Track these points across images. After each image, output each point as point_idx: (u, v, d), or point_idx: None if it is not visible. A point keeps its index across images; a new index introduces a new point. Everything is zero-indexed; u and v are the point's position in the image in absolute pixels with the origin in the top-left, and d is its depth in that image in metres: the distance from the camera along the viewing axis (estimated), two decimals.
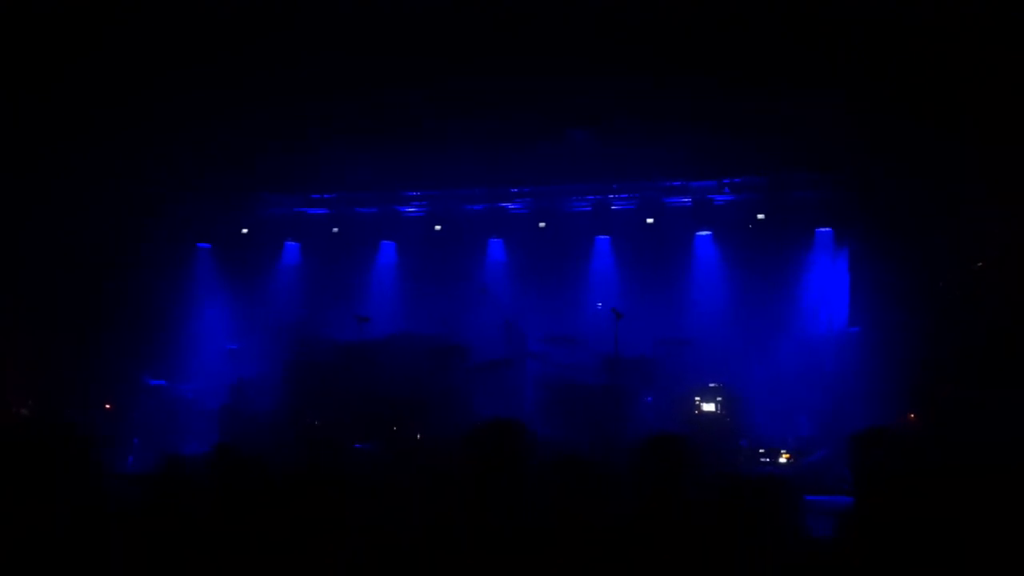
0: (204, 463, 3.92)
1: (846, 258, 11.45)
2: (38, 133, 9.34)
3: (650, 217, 12.27)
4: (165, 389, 11.18)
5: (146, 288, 11.45)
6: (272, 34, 8.42)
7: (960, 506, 3.13)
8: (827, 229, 11.73)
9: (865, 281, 10.88)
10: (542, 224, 12.55)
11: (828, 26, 7.94)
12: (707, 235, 12.23)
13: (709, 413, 10.02)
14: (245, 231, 12.97)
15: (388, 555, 2.95)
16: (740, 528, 3.02)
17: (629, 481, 3.16)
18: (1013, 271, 9.00)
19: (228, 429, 9.74)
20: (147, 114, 9.43)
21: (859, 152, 9.47)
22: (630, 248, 12.25)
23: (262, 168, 11.45)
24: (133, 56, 8.55)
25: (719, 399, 10.05)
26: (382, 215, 13.02)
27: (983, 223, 9.06)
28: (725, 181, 12.03)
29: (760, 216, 11.93)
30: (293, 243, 13.13)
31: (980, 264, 9.61)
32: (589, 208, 12.58)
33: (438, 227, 12.78)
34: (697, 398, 10.05)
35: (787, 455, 9.55)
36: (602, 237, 12.50)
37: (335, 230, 13.03)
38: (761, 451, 9.59)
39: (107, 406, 10.88)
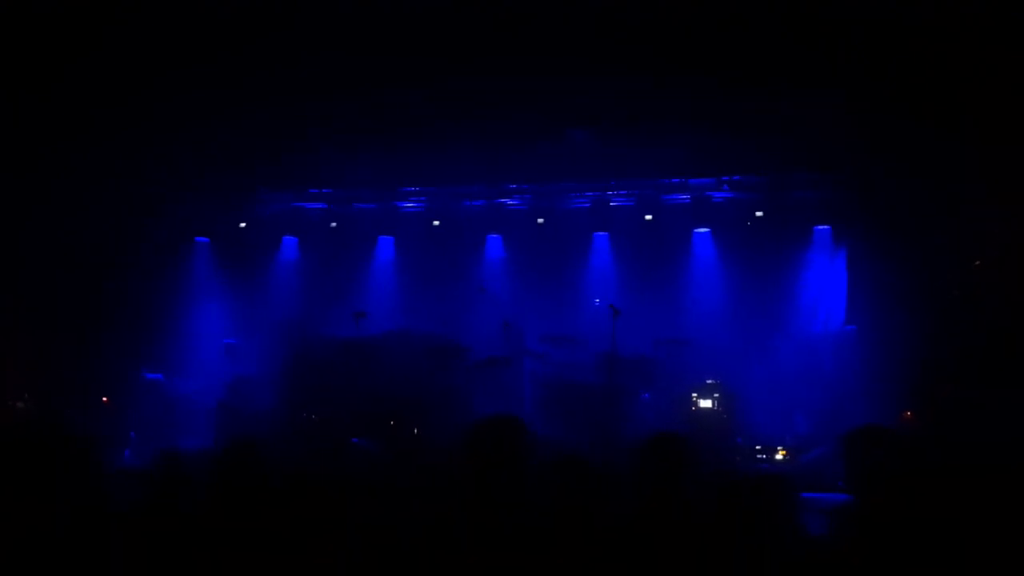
0: (204, 459, 3.91)
1: (844, 257, 11.47)
2: (38, 133, 9.32)
3: (648, 214, 12.27)
4: (162, 384, 11.16)
5: (144, 283, 11.42)
6: (271, 33, 8.40)
7: (956, 505, 3.13)
8: (825, 227, 11.75)
9: (863, 280, 10.89)
10: (540, 220, 12.55)
11: (828, 26, 7.93)
12: (705, 232, 12.24)
13: (706, 410, 10.04)
14: (243, 225, 12.94)
15: (388, 554, 2.95)
16: (738, 526, 3.02)
17: (629, 480, 3.16)
18: (1012, 271, 9.01)
19: (225, 425, 9.73)
20: (147, 114, 9.41)
21: (858, 151, 9.48)
22: (628, 245, 12.25)
23: (260, 163, 11.42)
24: (133, 56, 8.53)
25: (716, 396, 10.07)
26: (380, 210, 12.99)
27: (982, 223, 9.07)
28: (724, 179, 12.03)
29: (759, 214, 11.93)
30: (291, 238, 13.10)
31: (978, 263, 9.62)
32: (588, 204, 12.57)
33: (436, 223, 12.77)
34: (694, 395, 10.07)
35: (783, 452, 9.57)
36: (600, 234, 12.50)
37: (333, 225, 13.00)
38: (757, 448, 9.60)
39: (104, 400, 10.86)
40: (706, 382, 10.14)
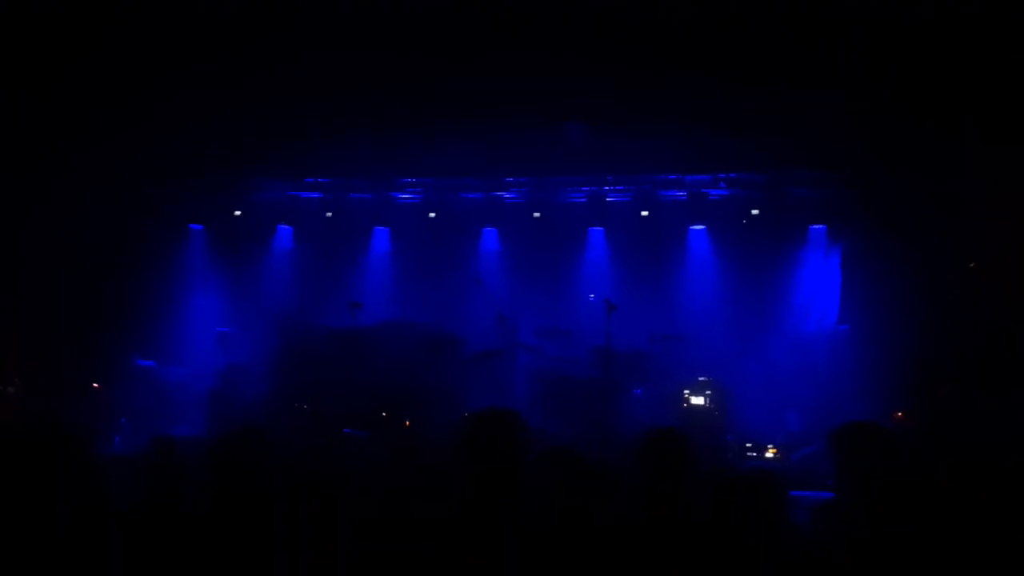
0: (198, 446, 3.89)
1: (838, 256, 11.50)
2: (39, 133, 9.29)
3: (645, 210, 12.28)
4: (154, 371, 11.12)
5: (137, 270, 11.37)
6: (270, 29, 8.38)
7: (947, 504, 3.15)
8: (821, 227, 11.77)
9: (857, 279, 10.92)
10: (537, 214, 12.53)
11: (828, 26, 7.92)
12: (701, 229, 12.25)
13: (698, 407, 10.05)
14: (238, 213, 12.88)
15: (385, 551, 2.94)
16: (731, 523, 3.03)
17: (629, 477, 3.16)
18: (1010, 271, 9.03)
19: (216, 413, 9.70)
20: (147, 111, 9.39)
21: (857, 151, 9.48)
22: (624, 240, 12.26)
23: (257, 153, 11.38)
24: (133, 56, 8.51)
25: (708, 393, 10.08)
26: (376, 201, 12.96)
27: (980, 222, 9.08)
28: (720, 176, 12.04)
29: (755, 212, 11.95)
30: (286, 227, 13.06)
31: (973, 264, 9.65)
32: (584, 199, 12.57)
33: (432, 214, 12.74)
34: (686, 391, 10.09)
35: (774, 450, 9.59)
36: (596, 229, 12.51)
37: (328, 215, 12.96)
38: (748, 446, 9.62)
39: (95, 385, 10.82)
40: (699, 379, 10.16)
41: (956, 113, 8.27)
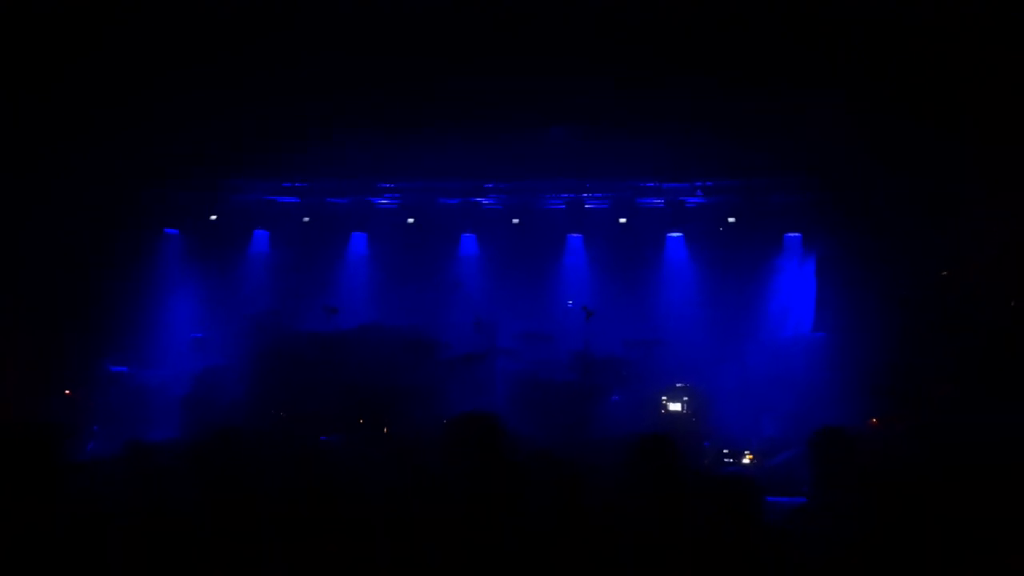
0: (173, 450, 3.85)
1: (813, 263, 11.61)
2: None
3: (623, 217, 12.34)
4: (127, 376, 10.98)
5: (110, 274, 11.21)
6: (246, 33, 8.34)
7: (926, 505, 3.18)
8: (796, 235, 11.90)
9: (832, 286, 11.03)
10: (515, 220, 12.55)
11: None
12: (678, 236, 12.33)
13: (675, 413, 10.10)
14: (214, 217, 12.78)
15: (367, 551, 2.92)
16: (709, 528, 3.04)
17: (616, 481, 3.16)
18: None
19: (192, 419, 9.59)
20: (121, 113, 9.29)
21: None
22: (602, 247, 12.32)
23: (233, 156, 11.28)
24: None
25: (685, 399, 10.13)
26: (354, 206, 12.91)
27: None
28: (697, 184, 12.13)
29: (731, 219, 12.05)
30: (262, 231, 12.97)
31: (944, 272, 9.77)
32: (563, 206, 12.61)
33: (411, 220, 12.71)
34: (664, 397, 10.13)
35: (750, 456, 9.64)
36: (574, 235, 12.55)
37: (306, 219, 12.89)
38: (725, 452, 9.66)
39: (66, 392, 10.66)
40: (676, 385, 10.20)
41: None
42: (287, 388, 9.51)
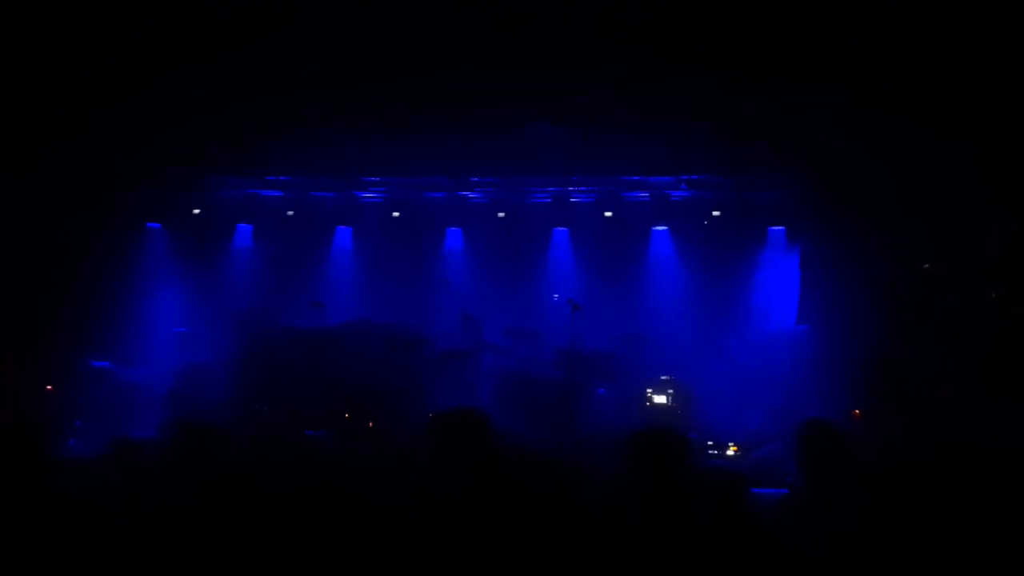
0: (155, 447, 3.82)
1: (797, 257, 11.67)
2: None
3: (608, 210, 12.35)
4: (110, 372, 10.88)
5: (92, 269, 11.11)
6: (226, 29, 8.28)
7: (912, 501, 3.20)
8: (780, 228, 11.96)
9: (815, 280, 11.09)
10: (501, 214, 12.54)
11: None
12: (664, 230, 12.37)
13: (660, 406, 10.14)
14: (197, 211, 12.67)
15: (353, 548, 2.91)
16: (694, 520, 3.06)
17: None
18: (966, 270, 9.18)
19: (175, 415, 9.50)
20: (103, 109, 9.20)
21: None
22: (588, 241, 12.33)
23: (217, 150, 11.20)
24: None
25: (670, 392, 10.18)
26: (338, 200, 12.84)
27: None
28: (683, 177, 12.16)
29: (716, 213, 12.09)
30: (246, 225, 12.88)
31: (927, 266, 9.84)
32: (549, 200, 12.61)
33: (396, 214, 12.67)
34: (649, 391, 10.16)
35: (735, 448, 9.70)
36: (560, 229, 12.55)
37: (290, 213, 12.81)
38: (709, 444, 9.72)
39: (48, 388, 10.56)
40: (661, 378, 10.24)
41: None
42: (272, 384, 9.46)
